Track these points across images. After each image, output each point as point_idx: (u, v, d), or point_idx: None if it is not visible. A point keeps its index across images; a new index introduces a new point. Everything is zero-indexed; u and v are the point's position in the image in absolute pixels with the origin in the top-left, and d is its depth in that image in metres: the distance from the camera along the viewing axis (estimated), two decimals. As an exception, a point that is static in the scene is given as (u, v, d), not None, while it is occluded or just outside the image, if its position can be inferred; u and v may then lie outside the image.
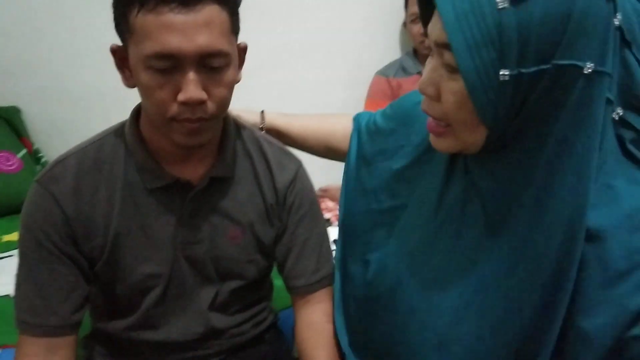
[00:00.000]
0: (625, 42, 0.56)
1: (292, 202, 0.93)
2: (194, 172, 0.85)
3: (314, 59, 2.19)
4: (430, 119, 0.66)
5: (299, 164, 0.96)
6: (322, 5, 2.14)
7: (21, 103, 2.07)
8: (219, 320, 0.94)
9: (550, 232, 0.57)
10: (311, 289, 0.95)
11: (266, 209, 0.91)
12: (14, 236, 1.65)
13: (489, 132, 0.59)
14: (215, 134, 0.85)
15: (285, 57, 2.17)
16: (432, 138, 0.68)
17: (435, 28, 0.59)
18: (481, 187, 0.65)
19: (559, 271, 0.56)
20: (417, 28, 2.07)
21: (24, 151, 1.98)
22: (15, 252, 1.53)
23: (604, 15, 0.53)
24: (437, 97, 0.61)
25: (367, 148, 0.91)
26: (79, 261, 0.82)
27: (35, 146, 2.08)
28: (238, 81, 0.80)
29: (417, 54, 2.21)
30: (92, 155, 0.82)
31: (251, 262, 0.93)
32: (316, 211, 0.97)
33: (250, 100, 2.06)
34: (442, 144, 0.66)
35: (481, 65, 0.53)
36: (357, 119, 0.99)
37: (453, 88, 0.58)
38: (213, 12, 0.69)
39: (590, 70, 0.53)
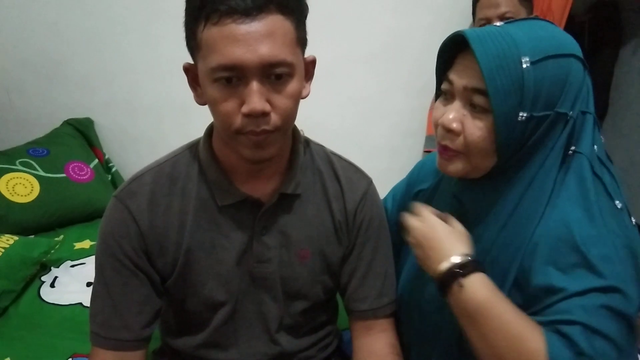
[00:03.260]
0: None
1: (361, 221, 0.89)
2: (264, 189, 0.84)
3: (377, 67, 2.16)
4: (441, 147, 0.79)
5: (369, 182, 0.93)
6: (387, 13, 2.10)
7: (94, 114, 2.17)
8: (287, 343, 0.91)
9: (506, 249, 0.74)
10: (374, 314, 0.91)
11: (335, 227, 0.89)
12: (85, 244, 1.71)
13: (499, 159, 0.74)
14: (283, 149, 0.83)
15: (348, 66, 2.15)
16: (441, 162, 0.80)
17: (465, 76, 0.74)
18: (467, 207, 0.81)
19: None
20: None
21: (95, 161, 2.06)
22: (87, 260, 1.59)
23: (580, 77, 0.73)
24: (459, 132, 0.75)
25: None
26: (152, 276, 0.83)
27: (107, 156, 2.15)
28: (305, 96, 0.78)
29: None
30: (167, 171, 0.83)
31: (318, 282, 0.90)
32: (384, 232, 0.93)
33: (313, 110, 2.06)
34: (452, 167, 0.78)
35: (508, 107, 0.70)
36: None
37: (479, 125, 0.73)
38: (276, 22, 0.68)
39: (571, 116, 0.73)
